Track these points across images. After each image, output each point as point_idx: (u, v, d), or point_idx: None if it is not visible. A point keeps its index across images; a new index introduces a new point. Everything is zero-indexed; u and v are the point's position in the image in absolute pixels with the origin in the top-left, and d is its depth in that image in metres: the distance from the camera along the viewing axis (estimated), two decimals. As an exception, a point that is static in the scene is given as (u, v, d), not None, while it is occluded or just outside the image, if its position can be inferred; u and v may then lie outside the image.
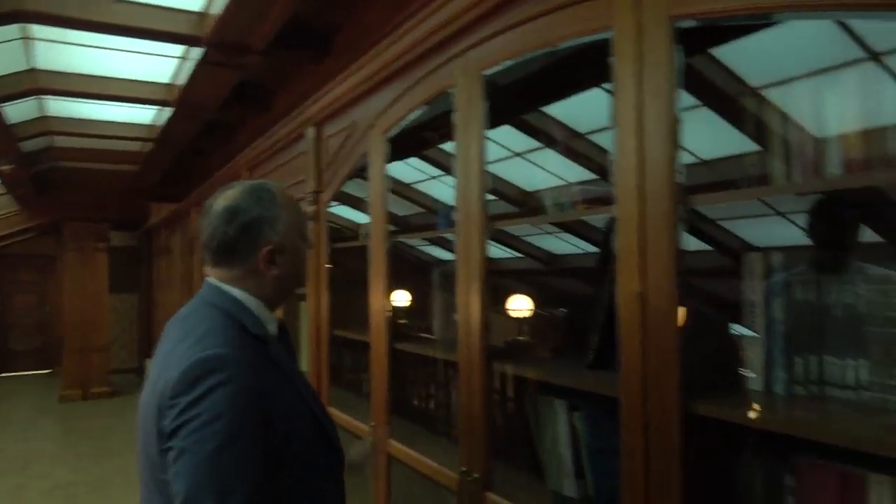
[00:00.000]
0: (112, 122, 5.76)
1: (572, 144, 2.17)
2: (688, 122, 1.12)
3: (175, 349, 1.08)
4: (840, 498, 1.01)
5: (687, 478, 1.04)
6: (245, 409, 1.01)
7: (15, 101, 4.60)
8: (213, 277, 1.19)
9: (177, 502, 0.98)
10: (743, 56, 1.51)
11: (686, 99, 1.25)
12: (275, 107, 4.39)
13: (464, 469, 1.62)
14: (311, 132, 2.62)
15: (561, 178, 2.07)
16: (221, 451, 0.97)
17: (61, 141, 6.49)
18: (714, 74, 1.56)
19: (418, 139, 2.34)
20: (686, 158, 1.19)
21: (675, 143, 1.05)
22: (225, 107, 4.59)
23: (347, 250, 2.54)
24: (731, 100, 1.53)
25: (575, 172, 2.09)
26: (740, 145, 1.28)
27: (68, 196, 8.59)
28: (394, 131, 2.04)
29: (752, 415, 1.06)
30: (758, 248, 1.23)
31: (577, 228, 2.38)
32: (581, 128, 2.15)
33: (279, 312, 1.28)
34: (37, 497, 4.90)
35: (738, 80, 1.56)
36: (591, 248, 2.38)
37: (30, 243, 11.02)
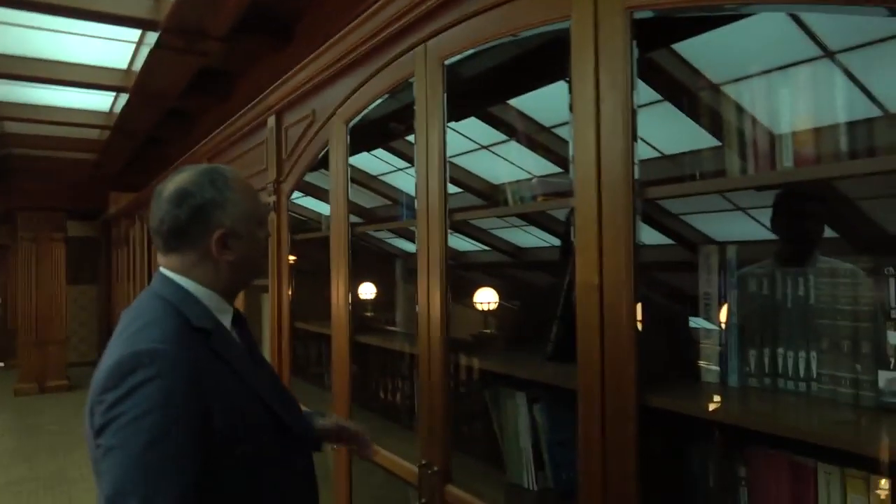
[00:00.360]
0: (68, 109, 5.58)
1: (537, 137, 2.16)
2: (650, 117, 1.12)
3: (112, 343, 1.04)
4: (790, 488, 1.03)
5: (643, 469, 1.05)
6: (176, 405, 0.96)
7: (-38, 85, 4.42)
8: (165, 267, 1.15)
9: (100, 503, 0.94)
10: (703, 52, 1.52)
11: (649, 94, 1.25)
12: (236, 95, 4.31)
13: (424, 462, 1.61)
14: (271, 121, 2.56)
15: (526, 171, 2.06)
16: (149, 448, 0.93)
17: (14, 127, 6.26)
18: (675, 69, 1.56)
19: (384, 130, 2.31)
20: (648, 153, 1.19)
21: (632, 136, 1.05)
22: (185, 95, 4.48)
23: (312, 242, 2.50)
24: (691, 95, 1.55)
25: (540, 165, 2.09)
26: (700, 140, 1.29)
27: (22, 184, 8.29)
28: (356, 120, 2.01)
29: (707, 407, 1.07)
30: (717, 242, 1.24)
31: (541, 221, 2.38)
32: (546, 121, 2.15)
33: (239, 303, 1.25)
34: (-13, 497, 4.75)
35: (699, 75, 1.57)
36: (556, 241, 2.40)
37: (-22, 233, 10.63)
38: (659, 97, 1.61)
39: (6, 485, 4.81)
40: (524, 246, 2.85)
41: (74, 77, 4.47)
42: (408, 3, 1.60)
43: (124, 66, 4.43)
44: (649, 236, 1.26)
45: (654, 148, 1.48)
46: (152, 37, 3.46)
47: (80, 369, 8.83)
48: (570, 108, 1.17)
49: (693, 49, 1.53)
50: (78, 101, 5.37)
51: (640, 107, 1.09)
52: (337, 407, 2.10)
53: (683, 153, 1.70)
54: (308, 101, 2.29)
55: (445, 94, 1.57)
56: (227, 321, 1.18)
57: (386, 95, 1.89)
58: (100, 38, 3.91)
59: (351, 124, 2.02)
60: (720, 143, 1.15)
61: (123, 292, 7.26)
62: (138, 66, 4.13)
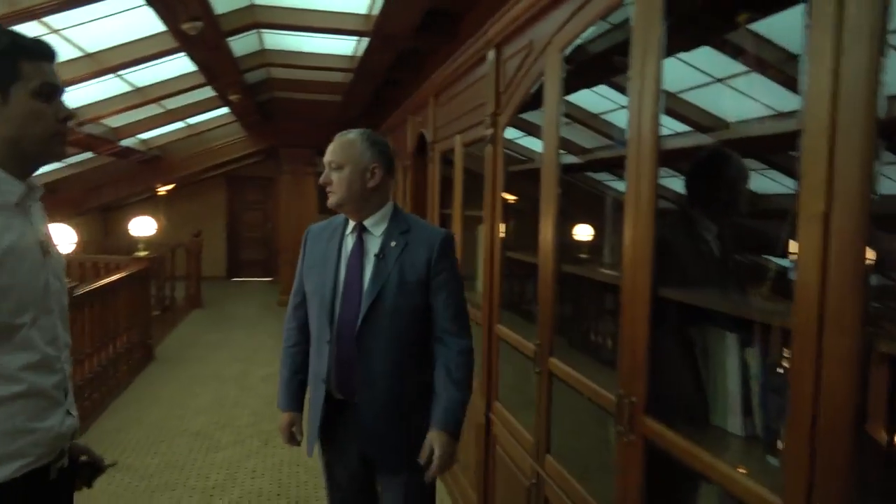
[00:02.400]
0: (318, 54, 6.23)
1: (783, 68, 1.92)
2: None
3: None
4: None
5: (859, 420, 0.95)
6: None
7: (238, 36, 5.15)
8: None
9: None
10: None
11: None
12: (461, 34, 4.44)
13: (622, 392, 1.61)
14: (491, 55, 2.62)
15: (769, 108, 1.84)
16: None
17: (276, 72, 7.17)
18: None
19: (607, 65, 2.23)
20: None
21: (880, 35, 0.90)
22: (416, 36, 4.73)
23: (530, 178, 2.53)
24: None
25: (784, 102, 1.85)
26: None
27: (283, 124, 9.58)
28: (571, 49, 1.97)
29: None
30: None
31: (782, 164, 2.13)
32: (796, 48, 1.87)
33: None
34: (258, 381, 5.77)
35: None
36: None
37: (255, 167, 12.53)
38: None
39: (271, 374, 5.80)
40: (761, 192, 2.57)
41: (324, 23, 4.95)
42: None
43: (365, 10, 4.80)
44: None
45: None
46: (387, -20, 3.69)
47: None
48: (806, 12, 1.03)
49: None
50: (326, 46, 5.96)
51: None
52: (540, 333, 2.17)
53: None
54: (525, 32, 2.30)
55: (666, 16, 1.47)
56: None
57: (605, 23, 1.82)
58: (344, -16, 4.26)
59: (566, 52, 1.99)
60: None
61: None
62: (377, 10, 4.45)
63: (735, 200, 1.69)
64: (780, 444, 1.28)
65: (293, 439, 2.13)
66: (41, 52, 1.28)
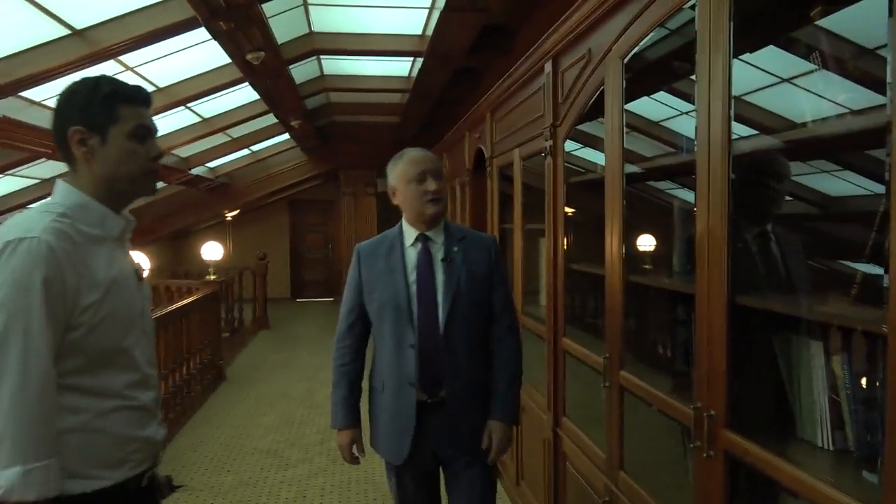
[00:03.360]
0: (374, 76, 6.37)
1: (855, 63, 1.82)
2: None
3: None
4: None
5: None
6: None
7: (299, 64, 5.32)
8: None
9: None
10: None
11: None
12: (517, 48, 4.45)
13: (699, 405, 1.55)
14: (548, 66, 2.61)
15: (841, 106, 1.76)
16: None
17: (335, 97, 7.36)
18: None
19: (667, 71, 2.18)
20: None
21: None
22: (471, 53, 4.78)
23: (591, 191, 2.50)
24: None
25: (858, 98, 1.75)
26: None
27: (343, 147, 9.82)
28: (631, 55, 1.94)
29: None
30: None
31: (858, 164, 2.02)
32: (868, 42, 1.77)
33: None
34: (323, 400, 5.84)
35: None
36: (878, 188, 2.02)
37: (315, 190, 12.86)
38: None
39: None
40: (836, 195, 2.44)
41: (379, 47, 5.06)
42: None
43: (419, 31, 4.88)
44: None
45: None
46: (441, 0, 3.75)
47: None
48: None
49: None
50: (382, 68, 6.09)
51: None
52: (609, 346, 2.13)
53: None
54: (583, 41, 2.28)
55: (733, 15, 1.44)
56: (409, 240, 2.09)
57: (664, 28, 1.79)
58: (398, 7, 4.35)
59: (626, 59, 1.96)
60: None
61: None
62: (431, 30, 4.52)
63: (775, 201, 1.64)
64: (879, 461, 1.20)
65: (355, 459, 2.16)
66: (138, 97, 1.40)
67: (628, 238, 2.11)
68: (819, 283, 1.55)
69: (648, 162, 2.31)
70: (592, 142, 2.56)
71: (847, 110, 1.62)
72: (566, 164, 2.62)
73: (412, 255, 2.08)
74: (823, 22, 1.83)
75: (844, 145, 1.59)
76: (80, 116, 1.33)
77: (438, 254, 2.07)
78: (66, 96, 1.36)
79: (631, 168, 2.14)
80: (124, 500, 1.38)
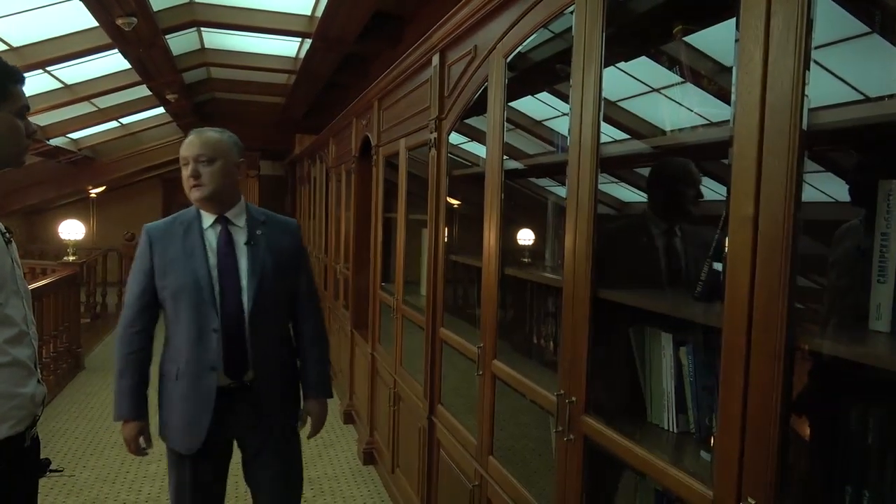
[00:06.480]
0: (260, 55, 6.12)
1: (715, 79, 1.99)
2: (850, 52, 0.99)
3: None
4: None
5: (786, 414, 0.99)
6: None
7: (177, 34, 5.00)
8: None
9: None
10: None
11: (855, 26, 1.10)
12: (406, 39, 4.45)
13: (561, 392, 1.64)
14: (435, 59, 2.63)
15: (703, 118, 1.91)
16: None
17: (217, 72, 7.00)
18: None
19: (549, 72, 2.27)
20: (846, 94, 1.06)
21: (804, 55, 0.95)
22: (361, 40, 4.71)
23: (473, 184, 2.55)
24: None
25: (717, 113, 1.91)
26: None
27: (224, 125, 9.26)
28: (514, 55, 2.00)
29: (875, 354, 0.98)
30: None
31: (717, 172, 2.20)
32: (727, 60, 1.94)
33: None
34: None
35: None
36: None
37: (192, 169, 12.07)
38: (867, 29, 1.41)
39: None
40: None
41: (266, 24, 4.87)
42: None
43: (308, 12, 4.75)
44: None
45: (855, 88, 1.30)
46: (332, -18, 3.66)
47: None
48: (737, 25, 1.08)
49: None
50: (268, 47, 5.86)
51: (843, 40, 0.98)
52: (483, 336, 2.19)
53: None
54: (470, 37, 2.32)
55: (605, 26, 1.52)
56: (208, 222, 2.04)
57: (547, 31, 1.86)
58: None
59: (510, 58, 2.02)
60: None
61: (306, 226, 7.97)
62: (320, 11, 4.41)
63: (682, 203, 1.76)
64: (712, 440, 1.33)
65: (142, 451, 2.10)
66: (21, 76, 1.46)
67: (507, 231, 2.18)
68: (684, 278, 1.69)
69: (530, 159, 2.40)
70: (479, 136, 2.62)
71: (706, 122, 1.76)
72: (452, 157, 2.65)
73: (211, 237, 2.05)
74: (690, 39, 1.99)
75: (702, 154, 1.72)
76: None
77: (240, 237, 2.06)
78: None
79: (514, 164, 2.21)
80: (6, 460, 1.41)
